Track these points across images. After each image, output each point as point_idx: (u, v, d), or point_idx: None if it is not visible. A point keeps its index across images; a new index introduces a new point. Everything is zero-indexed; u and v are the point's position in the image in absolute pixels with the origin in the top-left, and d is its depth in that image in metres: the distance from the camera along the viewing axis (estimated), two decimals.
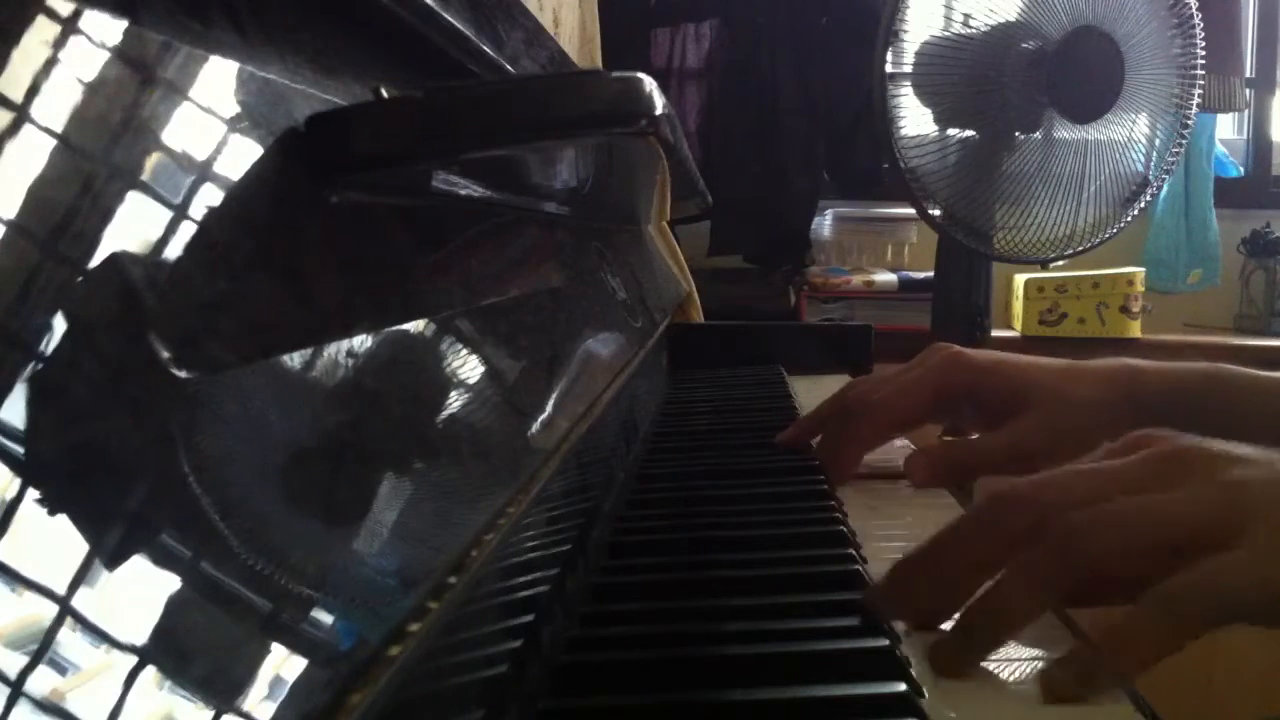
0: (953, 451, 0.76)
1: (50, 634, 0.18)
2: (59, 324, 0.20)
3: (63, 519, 0.19)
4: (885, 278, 2.28)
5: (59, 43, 0.22)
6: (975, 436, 0.75)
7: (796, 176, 2.31)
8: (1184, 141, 1.66)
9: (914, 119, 1.56)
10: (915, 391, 0.74)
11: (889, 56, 1.53)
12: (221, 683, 0.21)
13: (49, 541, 0.19)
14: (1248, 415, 0.71)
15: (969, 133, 1.57)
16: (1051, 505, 0.43)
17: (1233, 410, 0.71)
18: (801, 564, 0.52)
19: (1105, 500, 0.42)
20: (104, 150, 0.23)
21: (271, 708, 0.22)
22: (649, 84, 0.35)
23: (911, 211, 1.65)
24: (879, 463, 0.79)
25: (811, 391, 1.03)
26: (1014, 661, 0.43)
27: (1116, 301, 2.17)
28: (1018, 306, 2.26)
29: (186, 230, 0.25)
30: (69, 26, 0.23)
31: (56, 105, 0.22)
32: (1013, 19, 1.53)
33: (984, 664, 0.43)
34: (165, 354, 0.23)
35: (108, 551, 0.20)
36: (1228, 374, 0.73)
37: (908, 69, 1.54)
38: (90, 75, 0.23)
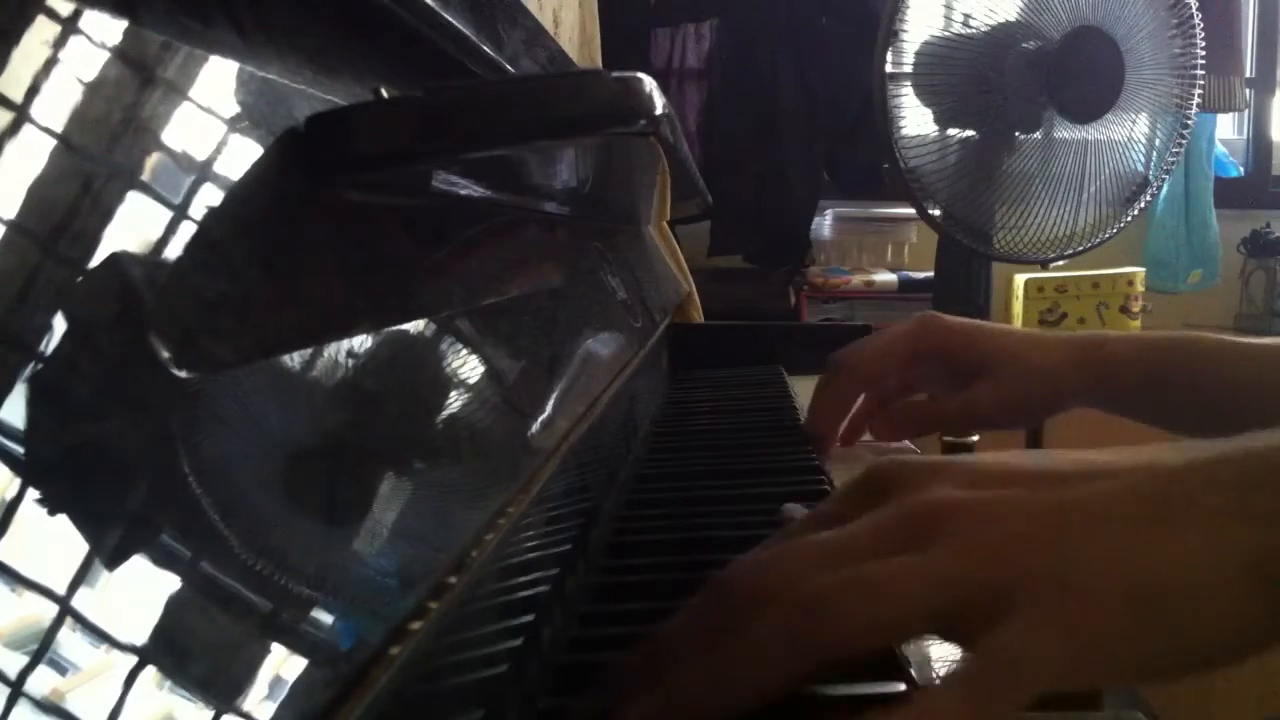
0: (914, 409, 0.79)
1: (50, 634, 0.18)
2: (59, 324, 0.20)
3: (63, 519, 0.19)
4: (885, 278, 2.28)
5: (59, 43, 0.22)
6: (933, 401, 0.78)
7: (796, 176, 2.31)
8: (1184, 141, 1.66)
9: (914, 119, 1.56)
10: (888, 351, 0.77)
11: (889, 56, 1.53)
12: (221, 683, 0.21)
13: (49, 541, 0.19)
14: (1220, 380, 0.72)
15: (969, 133, 1.57)
16: (787, 577, 0.34)
17: (1204, 375, 0.72)
18: None
19: (852, 566, 0.34)
20: (104, 150, 0.23)
21: (271, 708, 0.22)
22: (649, 84, 0.35)
23: (911, 211, 1.65)
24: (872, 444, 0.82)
25: (811, 391, 1.03)
26: None
27: (1116, 301, 2.17)
28: (1018, 306, 2.26)
29: (186, 230, 0.25)
30: (69, 26, 0.23)
31: (56, 105, 0.22)
32: (1013, 19, 1.53)
33: None
34: (165, 354, 0.23)
35: (108, 551, 0.20)
36: (1198, 340, 0.74)
37: (908, 69, 1.54)
38: (90, 75, 0.23)
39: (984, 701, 0.31)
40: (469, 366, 0.41)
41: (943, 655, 0.46)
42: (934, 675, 0.42)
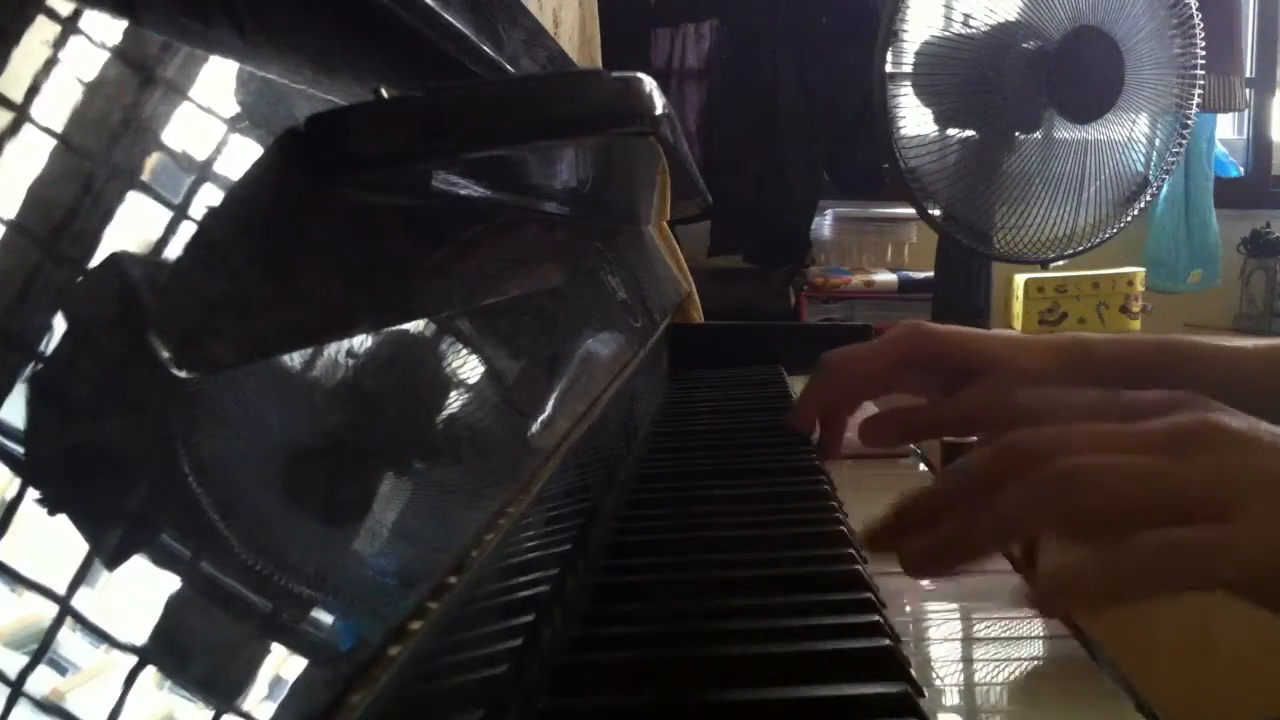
0: (902, 415, 0.80)
1: (50, 634, 0.18)
2: (59, 324, 0.20)
3: (63, 519, 0.19)
4: (885, 278, 2.28)
5: (59, 43, 0.22)
6: (924, 406, 0.79)
7: (796, 176, 2.31)
8: (1184, 141, 1.66)
9: (914, 119, 1.56)
10: (876, 357, 0.78)
11: (889, 56, 1.53)
12: (221, 683, 0.21)
13: (49, 541, 0.19)
14: (1207, 385, 0.72)
15: (969, 133, 1.57)
16: (1058, 449, 0.42)
17: (1191, 381, 0.73)
18: (801, 564, 0.52)
19: (1112, 451, 0.42)
20: (104, 150, 0.23)
21: (271, 708, 0.22)
22: (649, 84, 0.35)
23: (911, 211, 1.65)
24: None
25: None
26: (1014, 661, 0.43)
27: (1116, 301, 2.17)
28: (1018, 306, 2.26)
29: (186, 230, 0.25)
30: (69, 26, 0.23)
31: (56, 105, 0.22)
32: (1013, 19, 1.53)
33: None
34: (165, 354, 0.23)
35: (108, 551, 0.20)
36: (1185, 344, 0.75)
37: (908, 69, 1.54)
38: (90, 75, 0.23)
39: (1167, 564, 0.39)
40: (469, 366, 0.41)
41: (943, 656, 0.46)
42: (934, 675, 0.43)
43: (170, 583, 0.21)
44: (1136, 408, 0.45)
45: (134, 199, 0.24)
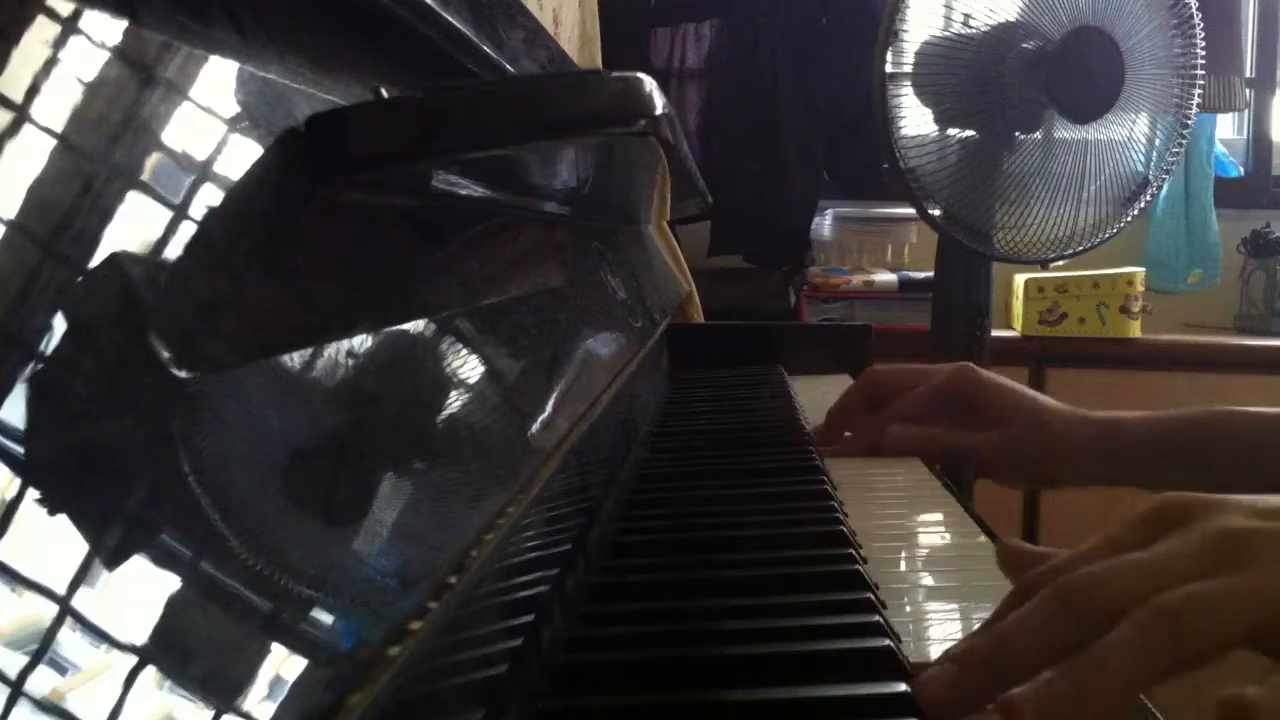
0: (928, 433, 0.84)
1: (50, 634, 0.18)
2: (59, 324, 0.20)
3: (63, 519, 0.19)
4: (885, 278, 2.28)
5: (59, 43, 0.22)
6: (953, 433, 0.83)
7: (796, 176, 2.31)
8: (1184, 141, 1.66)
9: (914, 119, 1.56)
10: (928, 396, 0.83)
11: (889, 56, 1.53)
12: (221, 683, 0.21)
13: (49, 541, 0.19)
14: (1241, 455, 0.74)
15: (969, 133, 1.57)
16: (1130, 591, 0.39)
17: (1225, 453, 0.75)
18: (801, 564, 0.52)
19: (1180, 584, 0.39)
20: (104, 150, 0.23)
21: (271, 708, 0.22)
22: (649, 84, 0.35)
23: (911, 211, 1.65)
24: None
25: (811, 391, 1.03)
26: None
27: (1116, 301, 2.17)
28: (1018, 306, 2.26)
29: (186, 230, 0.25)
30: (69, 26, 0.23)
31: (56, 105, 0.22)
32: (1013, 19, 1.53)
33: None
34: (165, 354, 0.23)
35: (108, 551, 0.20)
36: (1218, 417, 0.77)
37: (908, 69, 1.54)
38: (90, 75, 0.23)
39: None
40: (469, 366, 0.41)
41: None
42: None
43: (170, 583, 0.21)
44: (1138, 531, 0.43)
45: (134, 199, 0.24)
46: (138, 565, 0.20)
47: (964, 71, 1.53)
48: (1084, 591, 0.40)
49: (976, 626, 0.44)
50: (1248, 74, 2.50)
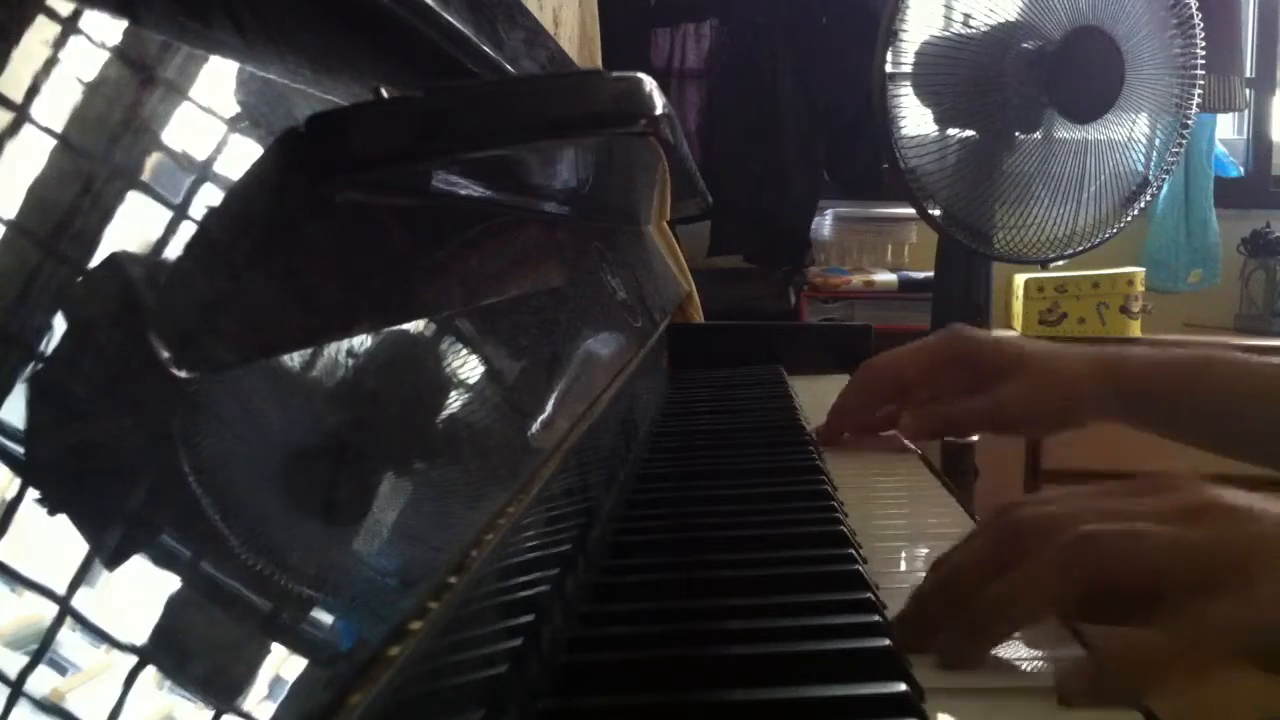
0: (939, 409, 0.83)
1: (50, 634, 0.18)
2: (59, 324, 0.20)
3: (63, 519, 0.19)
4: (885, 278, 2.28)
5: (59, 43, 0.22)
6: (960, 400, 0.81)
7: (796, 176, 2.31)
8: (1184, 141, 1.66)
9: (914, 119, 1.56)
10: (915, 358, 0.82)
11: (889, 56, 1.53)
12: (221, 683, 0.21)
13: (49, 541, 0.19)
14: (1236, 399, 0.74)
15: (969, 133, 1.57)
16: (1068, 518, 0.42)
17: (1220, 395, 0.74)
18: (801, 564, 0.52)
19: (1120, 522, 0.42)
20: (104, 150, 0.23)
21: (271, 708, 0.22)
22: (649, 84, 0.35)
23: (911, 211, 1.65)
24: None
25: (811, 391, 1.03)
26: (1018, 661, 0.43)
27: (1116, 301, 2.17)
28: (1018, 306, 2.26)
29: (186, 230, 0.25)
30: (69, 26, 0.23)
31: (56, 105, 0.22)
32: (1013, 19, 1.53)
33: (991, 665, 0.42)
34: (165, 354, 0.23)
35: (108, 551, 0.20)
36: (1218, 359, 0.76)
37: (908, 69, 1.54)
38: (90, 75, 0.23)
39: (1189, 648, 0.39)
40: (469, 366, 0.41)
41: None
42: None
43: (170, 583, 0.21)
44: (1135, 488, 0.45)
45: (134, 199, 0.24)
46: (138, 565, 0.20)
47: (964, 71, 1.53)
48: (1032, 524, 0.43)
49: None
50: (1248, 74, 2.50)
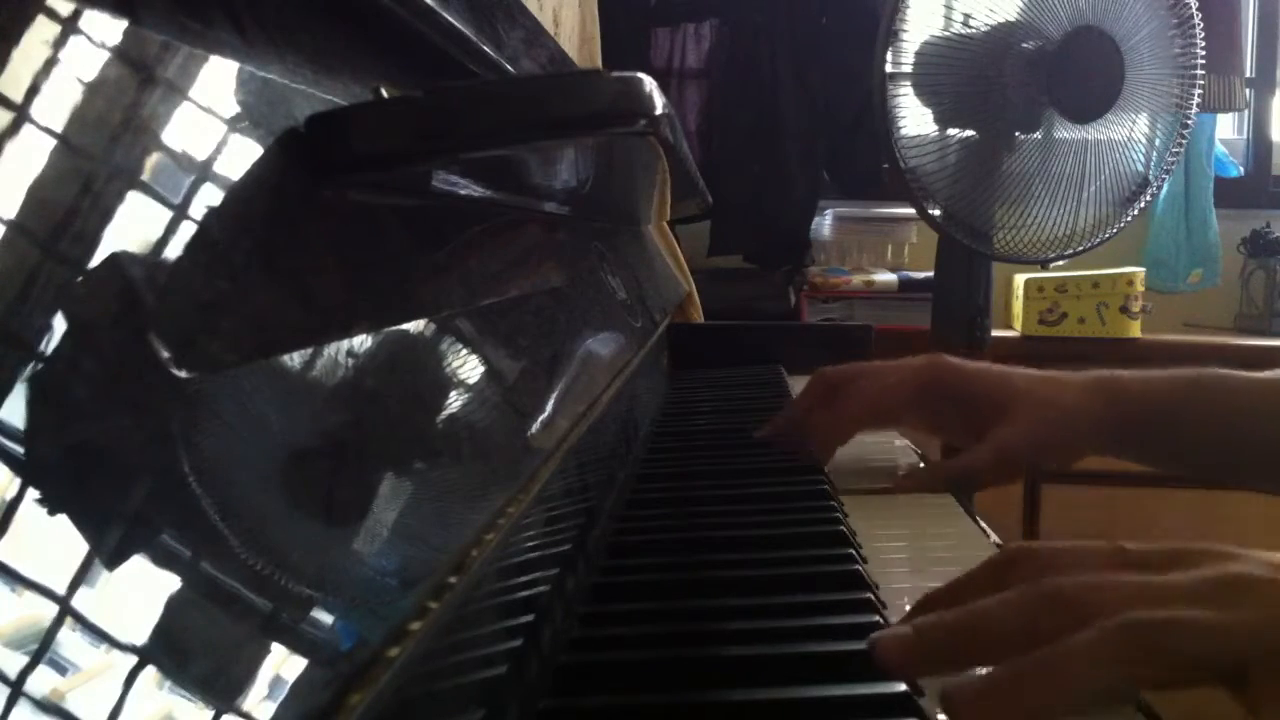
0: (943, 471, 0.77)
1: (50, 634, 0.18)
2: (59, 324, 0.20)
3: (63, 519, 0.19)
4: (885, 278, 2.28)
5: (59, 43, 0.22)
6: (963, 453, 0.76)
7: (796, 176, 2.31)
8: (1184, 141, 1.66)
9: (914, 119, 1.56)
10: (899, 387, 0.76)
11: (889, 56, 1.53)
12: (221, 683, 0.21)
13: (49, 541, 0.19)
14: (1234, 419, 0.72)
15: (969, 133, 1.57)
16: (1109, 604, 0.39)
17: (1219, 415, 0.72)
18: (801, 564, 0.52)
19: (1164, 605, 0.39)
20: (104, 150, 0.23)
21: (271, 708, 0.22)
22: (649, 84, 0.35)
23: (911, 211, 1.65)
24: (877, 461, 0.80)
25: None
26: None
27: (1116, 301, 2.17)
28: (1018, 306, 2.26)
29: (186, 230, 0.25)
30: (69, 26, 0.23)
31: (56, 105, 0.22)
32: (1013, 19, 1.53)
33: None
34: (165, 354, 0.23)
35: (108, 551, 0.20)
36: (1212, 379, 0.74)
37: (908, 69, 1.54)
38: (90, 75, 0.23)
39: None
40: (469, 366, 0.41)
41: None
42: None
43: (170, 583, 0.21)
44: (1153, 560, 0.43)
45: (134, 199, 0.24)
46: (138, 565, 0.20)
47: (964, 71, 1.53)
48: (1074, 597, 0.39)
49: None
50: (1248, 74, 2.50)
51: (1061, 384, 0.74)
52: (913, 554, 0.61)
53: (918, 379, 0.75)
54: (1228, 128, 2.66)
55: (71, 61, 0.22)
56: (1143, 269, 2.25)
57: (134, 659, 0.19)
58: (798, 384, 1.07)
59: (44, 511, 0.19)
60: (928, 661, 0.40)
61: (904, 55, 1.53)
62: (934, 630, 0.40)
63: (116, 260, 0.22)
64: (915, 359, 0.77)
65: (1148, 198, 1.66)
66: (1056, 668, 0.37)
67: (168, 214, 0.25)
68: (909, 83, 1.55)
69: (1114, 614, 0.38)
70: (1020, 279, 2.23)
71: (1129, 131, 1.60)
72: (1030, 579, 0.41)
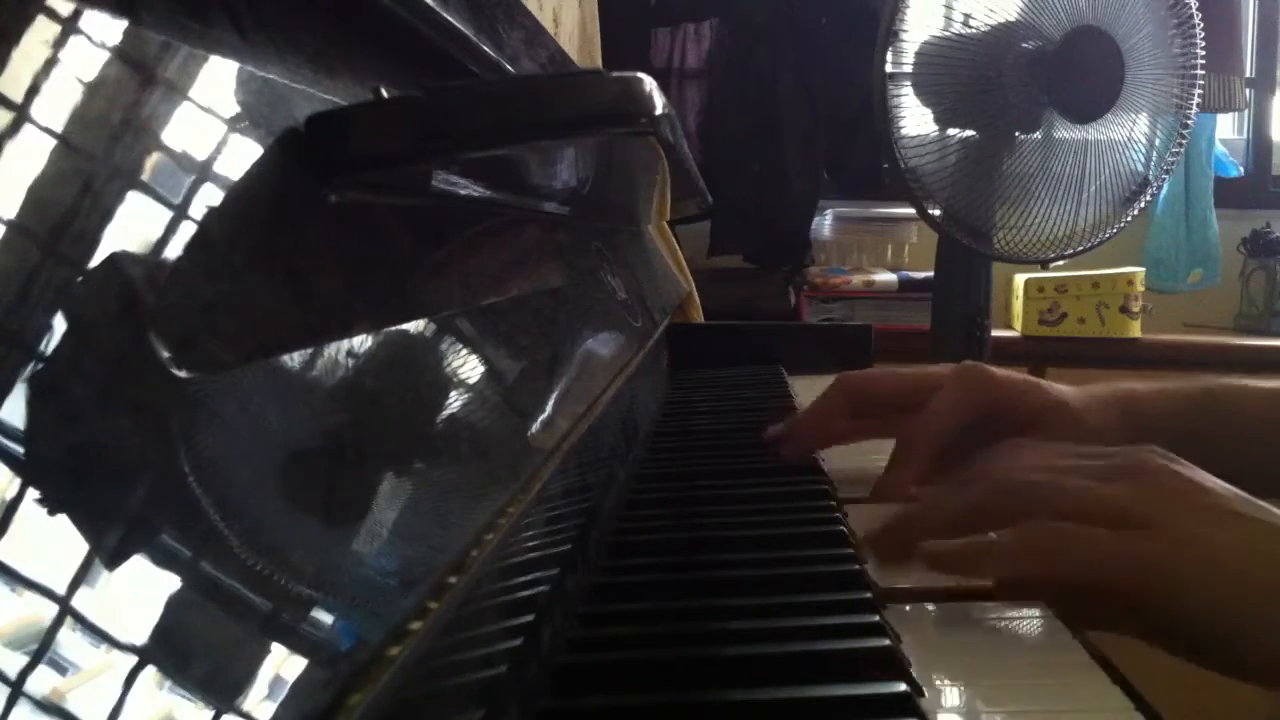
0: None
1: (50, 634, 0.18)
2: (59, 324, 0.20)
3: (63, 519, 0.19)
4: (885, 278, 2.28)
5: (59, 43, 0.22)
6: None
7: (796, 176, 2.31)
8: (1184, 141, 1.66)
9: (914, 119, 1.56)
10: (950, 420, 0.71)
11: (889, 56, 1.53)
12: (221, 683, 0.21)
13: (49, 541, 0.19)
14: (1248, 428, 0.72)
15: (969, 133, 1.57)
16: (1040, 504, 0.51)
17: (1233, 424, 0.73)
18: (801, 564, 0.52)
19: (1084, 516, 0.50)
20: (104, 150, 0.23)
21: (271, 708, 0.22)
22: (649, 84, 0.35)
23: (911, 211, 1.65)
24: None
25: (811, 391, 1.02)
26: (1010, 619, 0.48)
27: (1116, 301, 2.17)
28: (1018, 306, 2.26)
29: (186, 230, 0.25)
30: (69, 26, 0.23)
31: (56, 105, 0.22)
32: (1013, 19, 1.53)
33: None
34: (165, 354, 0.23)
35: (108, 551, 0.20)
36: (1227, 390, 0.74)
37: (908, 69, 1.54)
38: (90, 75, 0.23)
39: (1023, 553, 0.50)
40: (469, 366, 0.41)
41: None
42: (934, 675, 0.42)
43: (170, 583, 0.21)
44: (1105, 472, 0.53)
45: (134, 199, 0.24)
46: (138, 565, 0.20)
47: (964, 71, 1.53)
48: (1017, 493, 0.52)
49: (979, 627, 0.49)
50: (1248, 74, 2.50)
51: (1086, 399, 0.73)
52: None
53: (968, 404, 0.71)
54: (1228, 128, 2.66)
55: (71, 61, 0.22)
56: (1143, 269, 2.25)
57: (134, 659, 0.19)
58: (798, 384, 1.07)
59: (44, 511, 0.19)
60: (897, 544, 0.53)
61: (904, 55, 1.53)
62: (914, 517, 0.55)
63: (116, 260, 0.22)
64: (945, 369, 0.74)
65: (1148, 198, 1.66)
66: (996, 551, 0.51)
67: (167, 214, 0.25)
68: (909, 83, 1.55)
69: (1039, 515, 0.50)
70: (1020, 279, 2.23)
71: (1129, 131, 1.60)
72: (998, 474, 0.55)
